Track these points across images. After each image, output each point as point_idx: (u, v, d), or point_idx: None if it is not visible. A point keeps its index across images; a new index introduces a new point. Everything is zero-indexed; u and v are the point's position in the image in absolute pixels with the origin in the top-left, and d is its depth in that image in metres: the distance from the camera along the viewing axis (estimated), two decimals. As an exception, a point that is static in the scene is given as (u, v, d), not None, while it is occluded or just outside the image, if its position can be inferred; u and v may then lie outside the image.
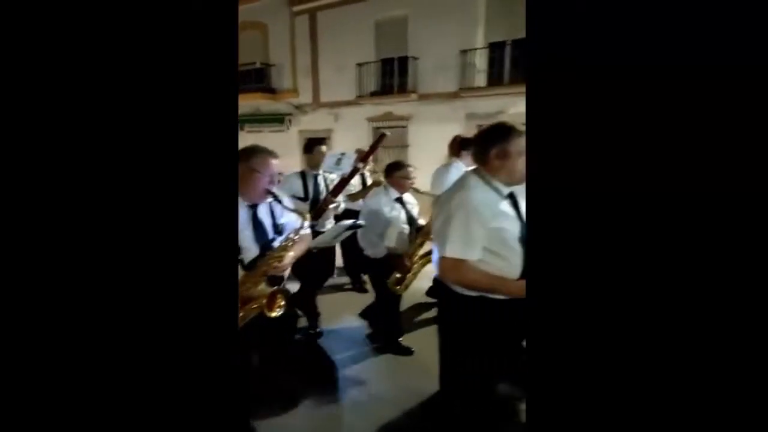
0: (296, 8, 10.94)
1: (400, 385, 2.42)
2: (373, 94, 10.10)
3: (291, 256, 1.79)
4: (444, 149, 3.48)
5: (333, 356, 2.80)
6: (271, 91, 11.65)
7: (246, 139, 12.53)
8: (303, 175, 3.06)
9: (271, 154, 1.79)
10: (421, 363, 2.59)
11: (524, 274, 1.51)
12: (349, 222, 2.49)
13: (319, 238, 2.11)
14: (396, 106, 9.94)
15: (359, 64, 10.11)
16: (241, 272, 1.68)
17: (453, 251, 1.47)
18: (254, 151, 1.76)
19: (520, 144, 1.49)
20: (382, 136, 3.02)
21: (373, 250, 2.65)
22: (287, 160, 5.01)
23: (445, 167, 3.19)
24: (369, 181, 3.75)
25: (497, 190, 1.52)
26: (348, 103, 10.51)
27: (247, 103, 12.02)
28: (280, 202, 1.81)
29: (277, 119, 11.86)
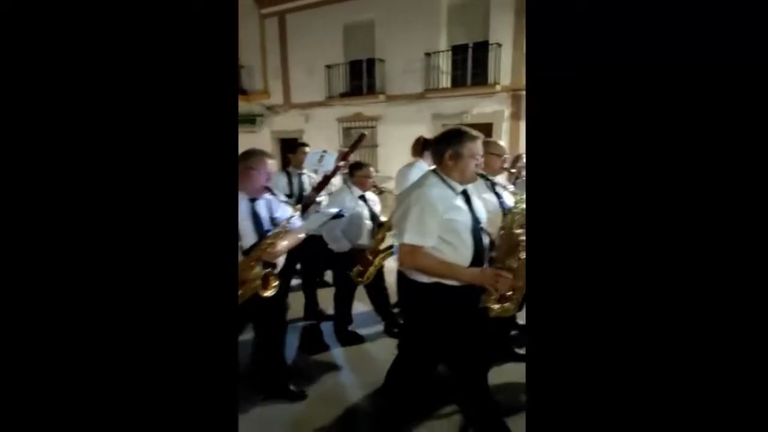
0: (265, 11, 10.95)
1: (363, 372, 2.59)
2: (343, 96, 10.24)
3: (284, 244, 2.04)
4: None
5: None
6: (242, 92, 11.61)
7: (218, 140, 12.46)
8: (288, 173, 3.35)
9: (267, 154, 2.08)
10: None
11: (474, 262, 1.66)
12: (334, 210, 2.65)
13: (305, 224, 2.30)
14: (365, 107, 10.11)
15: (328, 66, 10.21)
16: (240, 257, 1.93)
17: (410, 238, 1.62)
18: (251, 152, 2.04)
19: (471, 147, 1.66)
20: (362, 136, 3.22)
21: (337, 244, 2.82)
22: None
23: (408, 167, 3.32)
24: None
25: (452, 188, 1.68)
26: (318, 104, 10.62)
27: (219, 104, 11.96)
28: (276, 196, 2.11)
29: (249, 120, 11.83)
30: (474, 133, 1.70)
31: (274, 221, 2.07)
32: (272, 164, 2.06)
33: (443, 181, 1.69)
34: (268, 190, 2.05)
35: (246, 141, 11.90)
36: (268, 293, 1.95)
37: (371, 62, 9.82)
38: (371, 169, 2.98)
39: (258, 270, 1.95)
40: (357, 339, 2.99)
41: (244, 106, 11.82)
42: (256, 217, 2.02)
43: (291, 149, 3.48)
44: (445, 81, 9.07)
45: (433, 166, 1.78)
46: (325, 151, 3.41)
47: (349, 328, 3.09)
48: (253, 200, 2.03)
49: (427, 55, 9.00)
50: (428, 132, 9.07)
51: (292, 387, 2.31)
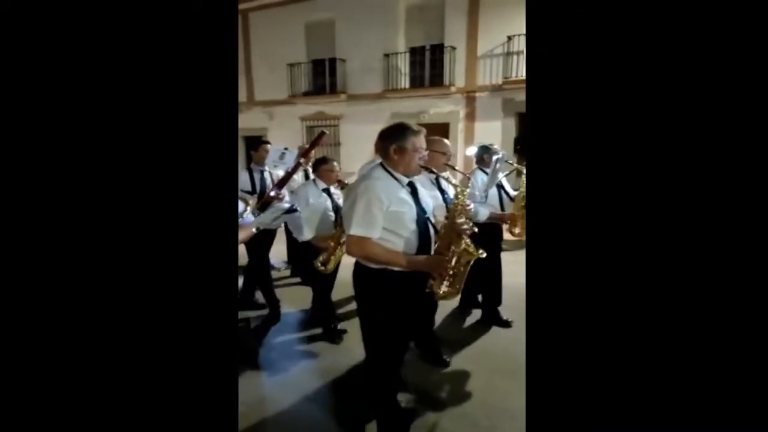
0: (227, 8, 10.73)
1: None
2: (306, 94, 10.22)
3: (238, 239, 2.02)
4: (372, 147, 3.72)
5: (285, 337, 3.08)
6: (204, 89, 11.35)
7: (180, 137, 12.09)
8: (250, 170, 3.41)
9: None
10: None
11: (420, 250, 1.72)
12: (287, 205, 2.67)
13: (258, 218, 2.34)
14: (327, 105, 10.14)
15: (291, 65, 10.17)
16: None
17: (356, 230, 1.65)
18: None
19: (414, 141, 1.69)
20: (322, 133, 3.27)
21: (300, 234, 2.95)
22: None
23: (370, 164, 3.39)
24: (312, 176, 4.06)
25: (398, 180, 1.72)
26: (281, 102, 10.56)
27: (180, 101, 11.63)
28: None
29: (212, 117, 11.57)
30: (416, 127, 1.73)
31: None
32: None
33: (390, 174, 1.73)
34: None
35: (210, 138, 11.48)
36: None
37: (333, 62, 9.85)
38: (335, 163, 3.09)
39: None
40: (340, 335, 3.09)
41: (206, 104, 11.54)
42: None
43: (253, 146, 3.56)
44: (404, 82, 9.24)
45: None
46: (286, 149, 3.46)
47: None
48: None
49: (386, 56, 9.13)
50: (388, 130, 9.18)
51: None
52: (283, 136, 10.54)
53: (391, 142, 1.71)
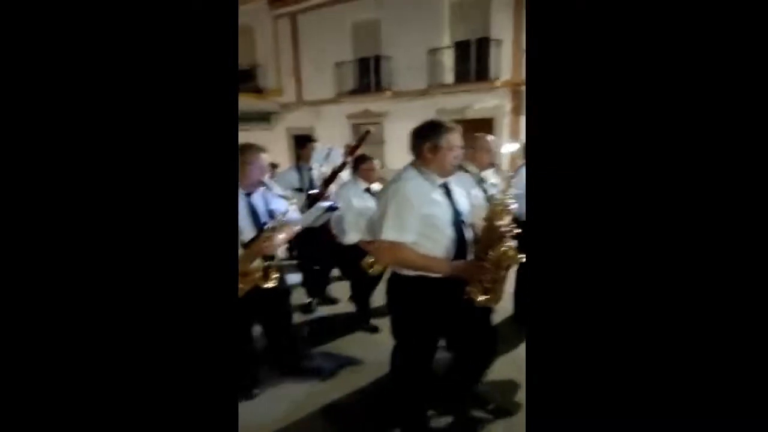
0: (278, 11, 11.00)
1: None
2: (351, 93, 10.29)
3: (281, 237, 2.03)
4: None
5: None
6: (257, 90, 11.75)
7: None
8: (298, 168, 3.40)
9: (261, 149, 2.05)
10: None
11: (457, 255, 1.60)
12: (327, 204, 2.66)
13: (300, 217, 2.28)
14: (372, 103, 10.14)
15: (338, 64, 10.26)
16: (240, 251, 1.93)
17: (389, 235, 1.55)
18: (246, 147, 2.01)
19: (450, 139, 1.56)
20: (367, 132, 3.23)
21: (344, 236, 2.84)
22: (275, 155, 5.29)
23: None
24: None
25: (431, 181, 1.59)
26: (328, 101, 10.69)
27: (235, 102, 12.13)
28: (271, 190, 2.10)
29: (264, 118, 11.96)
30: (451, 124, 1.61)
31: (270, 214, 2.05)
32: (266, 158, 2.06)
33: (421, 174, 1.61)
34: (263, 184, 2.04)
35: (261, 138, 11.93)
36: (269, 285, 1.97)
37: (378, 59, 9.83)
38: (376, 161, 2.97)
39: (258, 263, 1.96)
40: (371, 328, 3.02)
41: (259, 104, 11.94)
42: (253, 211, 2.00)
43: (300, 145, 3.57)
44: (448, 77, 9.04)
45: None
46: (331, 148, 3.45)
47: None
48: (248, 194, 2.01)
49: (431, 51, 8.98)
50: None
51: (309, 369, 2.36)
52: (330, 135, 10.67)
53: (425, 139, 1.59)
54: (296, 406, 2.14)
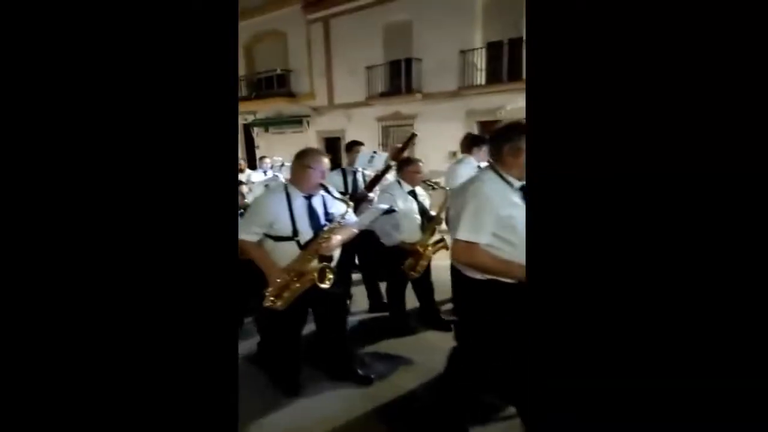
0: (311, 16, 11.18)
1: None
2: (382, 95, 10.34)
3: (338, 239, 2.07)
4: (446, 145, 3.58)
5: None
6: (291, 95, 12.01)
7: (270, 140, 12.96)
8: (343, 171, 3.40)
9: (322, 153, 2.10)
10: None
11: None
12: (385, 206, 2.65)
13: (358, 220, 2.31)
14: (403, 105, 10.16)
15: (368, 67, 10.34)
16: (298, 251, 2.01)
17: (464, 235, 1.54)
18: (308, 151, 2.08)
19: None
20: (413, 135, 3.22)
21: (388, 239, 2.85)
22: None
23: (458, 163, 3.21)
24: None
25: (509, 183, 1.57)
26: (359, 104, 10.77)
27: (270, 107, 12.47)
28: (330, 193, 2.13)
29: (297, 121, 12.20)
30: None
31: (328, 217, 2.10)
32: (327, 162, 2.10)
33: (500, 176, 1.59)
34: (323, 187, 2.08)
35: (294, 141, 12.15)
36: (325, 285, 2.00)
37: (408, 62, 9.84)
38: (420, 164, 2.94)
39: (315, 263, 2.00)
40: (409, 330, 2.98)
41: (292, 108, 12.21)
42: (312, 213, 2.05)
43: (347, 148, 3.57)
44: (480, 78, 8.97)
45: (482, 162, 1.71)
46: (375, 152, 3.44)
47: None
48: (308, 197, 2.07)
49: (462, 52, 8.92)
50: (463, 129, 9.04)
51: (359, 371, 2.33)
52: (360, 137, 10.60)
53: (506, 141, 1.57)
54: (350, 405, 2.15)
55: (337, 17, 10.87)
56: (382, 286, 3.29)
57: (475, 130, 9.16)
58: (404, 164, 2.96)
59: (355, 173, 3.45)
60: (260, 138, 13.27)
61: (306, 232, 2.04)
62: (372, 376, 2.34)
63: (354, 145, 3.55)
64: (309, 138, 11.94)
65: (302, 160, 2.05)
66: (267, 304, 1.99)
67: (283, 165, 5.50)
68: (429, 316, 3.07)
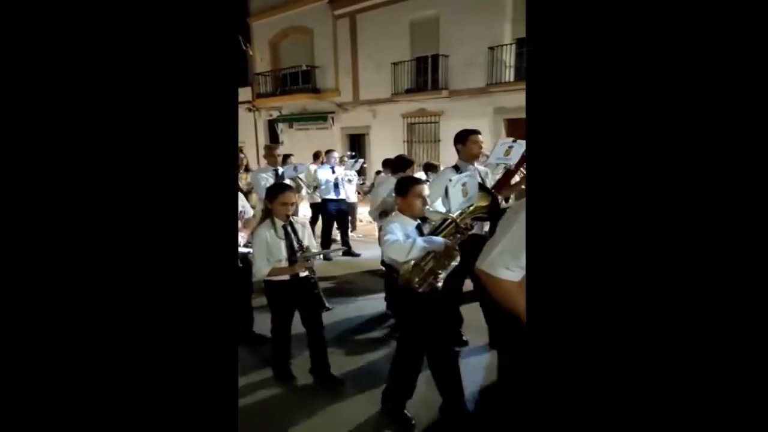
0: (338, 12, 10.98)
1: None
2: (408, 92, 10.05)
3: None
4: None
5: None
6: (316, 91, 11.85)
7: (294, 136, 12.82)
8: (457, 169, 2.59)
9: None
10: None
11: None
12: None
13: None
14: (428, 102, 9.84)
15: (395, 63, 10.07)
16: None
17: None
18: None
19: None
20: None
21: None
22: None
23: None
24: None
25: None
26: (384, 101, 10.52)
27: (295, 102, 12.29)
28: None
29: (322, 117, 12.05)
30: None
31: None
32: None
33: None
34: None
35: (318, 137, 12.17)
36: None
37: (435, 58, 9.51)
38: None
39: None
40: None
41: (317, 105, 12.03)
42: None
43: (460, 138, 2.65)
44: (509, 75, 8.54)
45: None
46: (515, 141, 2.57)
47: None
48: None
49: (491, 48, 8.53)
50: (490, 126, 8.67)
51: (333, 374, 2.42)
52: (385, 134, 10.53)
53: None
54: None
55: (363, 13, 10.61)
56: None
57: (503, 128, 8.81)
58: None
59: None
60: (284, 134, 13.15)
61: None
62: (342, 379, 2.39)
63: (468, 134, 2.64)
64: (333, 134, 11.77)
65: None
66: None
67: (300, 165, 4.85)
68: None
